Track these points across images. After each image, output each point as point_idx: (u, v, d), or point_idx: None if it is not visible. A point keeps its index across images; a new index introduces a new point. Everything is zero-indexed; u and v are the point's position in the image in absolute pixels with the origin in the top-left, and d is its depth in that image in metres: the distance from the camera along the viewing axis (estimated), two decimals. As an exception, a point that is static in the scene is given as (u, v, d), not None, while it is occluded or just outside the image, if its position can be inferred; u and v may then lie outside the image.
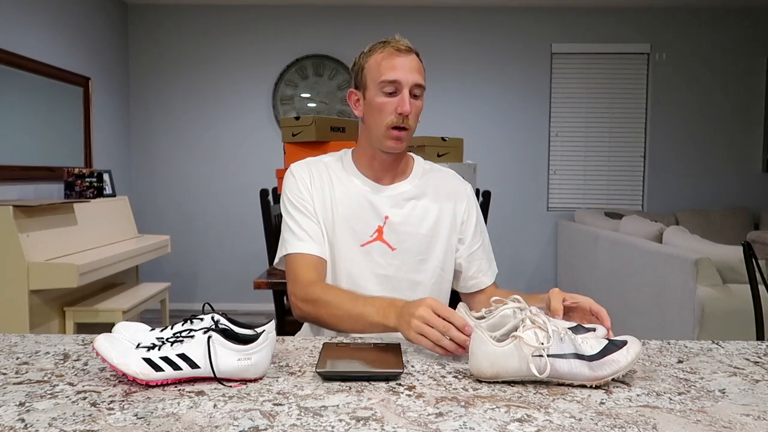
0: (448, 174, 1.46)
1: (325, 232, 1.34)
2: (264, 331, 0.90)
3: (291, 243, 1.32)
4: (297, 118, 2.76)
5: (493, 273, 1.45)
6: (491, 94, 4.85)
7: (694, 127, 4.87)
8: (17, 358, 0.99)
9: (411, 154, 1.46)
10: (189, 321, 0.91)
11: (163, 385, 0.86)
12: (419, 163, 1.44)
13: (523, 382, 0.88)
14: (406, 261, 1.35)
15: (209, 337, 0.87)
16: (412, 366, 0.96)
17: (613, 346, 0.88)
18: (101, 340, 0.88)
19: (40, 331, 2.73)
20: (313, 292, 1.23)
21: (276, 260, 1.38)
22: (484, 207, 2.80)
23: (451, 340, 0.97)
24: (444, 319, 0.98)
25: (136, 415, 0.75)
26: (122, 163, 4.69)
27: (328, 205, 1.35)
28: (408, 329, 1.01)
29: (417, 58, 1.31)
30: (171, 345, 0.87)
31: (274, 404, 0.79)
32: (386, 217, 1.34)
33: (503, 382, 0.88)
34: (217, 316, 0.91)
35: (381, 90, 1.28)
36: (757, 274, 1.99)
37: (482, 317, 1.01)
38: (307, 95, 4.82)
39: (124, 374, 0.85)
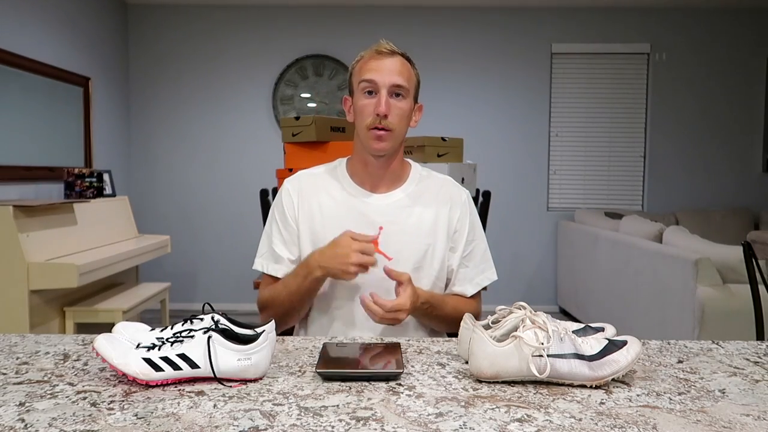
0: (445, 181, 1.44)
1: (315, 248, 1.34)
2: (264, 331, 0.90)
3: (266, 263, 1.41)
4: (297, 118, 2.76)
5: (478, 285, 1.41)
6: (491, 94, 4.85)
7: (694, 127, 4.87)
8: (17, 358, 0.99)
9: (409, 160, 1.45)
10: (189, 321, 0.91)
11: (163, 385, 0.86)
12: (416, 170, 1.43)
13: (523, 382, 0.88)
14: (404, 270, 1.31)
15: (209, 337, 0.87)
16: (412, 366, 0.96)
17: (613, 346, 0.88)
18: (101, 340, 0.88)
19: (40, 331, 2.73)
20: (262, 299, 1.38)
21: (254, 264, 1.44)
22: (484, 207, 2.80)
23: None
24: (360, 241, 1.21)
25: (136, 415, 0.75)
26: (122, 163, 4.69)
27: (318, 222, 1.35)
28: (346, 273, 1.22)
29: (402, 60, 1.31)
30: (171, 345, 0.87)
31: (274, 404, 0.79)
32: (381, 228, 1.32)
33: (503, 382, 0.88)
34: (217, 316, 0.90)
35: (362, 92, 1.30)
36: (757, 274, 1.99)
37: (488, 327, 1.00)
38: (307, 95, 4.82)
39: (124, 374, 0.85)
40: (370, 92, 1.29)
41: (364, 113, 1.30)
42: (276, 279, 1.38)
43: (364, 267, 1.21)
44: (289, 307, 1.32)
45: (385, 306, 1.20)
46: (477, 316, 1.42)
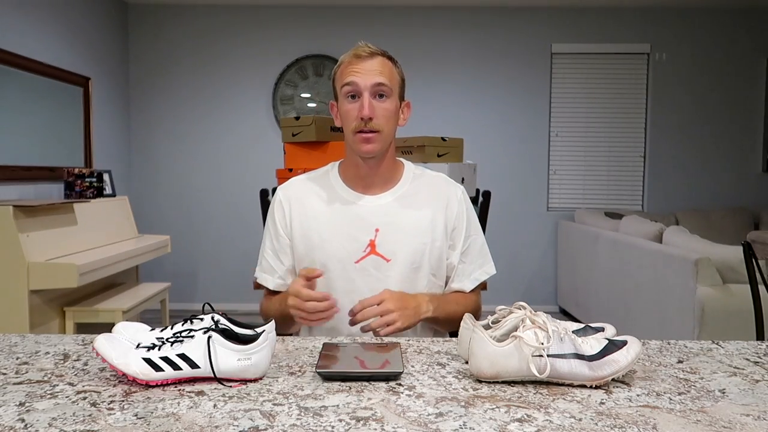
0: (438, 178, 1.44)
1: (311, 256, 1.34)
2: (264, 331, 0.90)
3: (260, 272, 1.43)
4: (297, 118, 2.76)
5: (476, 280, 1.40)
6: (491, 94, 4.85)
7: (694, 127, 4.87)
8: (17, 358, 0.99)
9: (401, 160, 1.44)
10: (189, 321, 0.91)
11: (163, 385, 0.86)
12: (409, 169, 1.42)
13: (523, 382, 0.88)
14: (402, 271, 1.32)
15: (209, 337, 0.87)
16: (412, 366, 0.96)
17: (613, 346, 0.88)
18: (101, 340, 0.88)
19: (40, 331, 2.73)
20: (261, 309, 1.42)
21: (255, 273, 1.45)
22: (484, 207, 2.80)
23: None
24: (306, 299, 1.17)
25: (136, 415, 0.75)
26: (122, 163, 4.69)
27: (312, 228, 1.35)
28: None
29: (383, 60, 1.30)
30: (171, 345, 0.87)
31: (274, 404, 0.79)
32: (377, 230, 1.32)
33: (503, 382, 0.88)
34: (217, 316, 0.90)
35: (345, 96, 1.30)
36: (757, 274, 1.99)
37: (488, 327, 1.00)
38: (307, 95, 4.82)
39: (124, 374, 0.85)
40: (353, 96, 1.28)
41: (349, 117, 1.29)
42: (265, 289, 1.42)
43: (300, 309, 1.20)
44: (278, 324, 1.33)
45: (363, 303, 1.21)
46: (478, 310, 1.43)
